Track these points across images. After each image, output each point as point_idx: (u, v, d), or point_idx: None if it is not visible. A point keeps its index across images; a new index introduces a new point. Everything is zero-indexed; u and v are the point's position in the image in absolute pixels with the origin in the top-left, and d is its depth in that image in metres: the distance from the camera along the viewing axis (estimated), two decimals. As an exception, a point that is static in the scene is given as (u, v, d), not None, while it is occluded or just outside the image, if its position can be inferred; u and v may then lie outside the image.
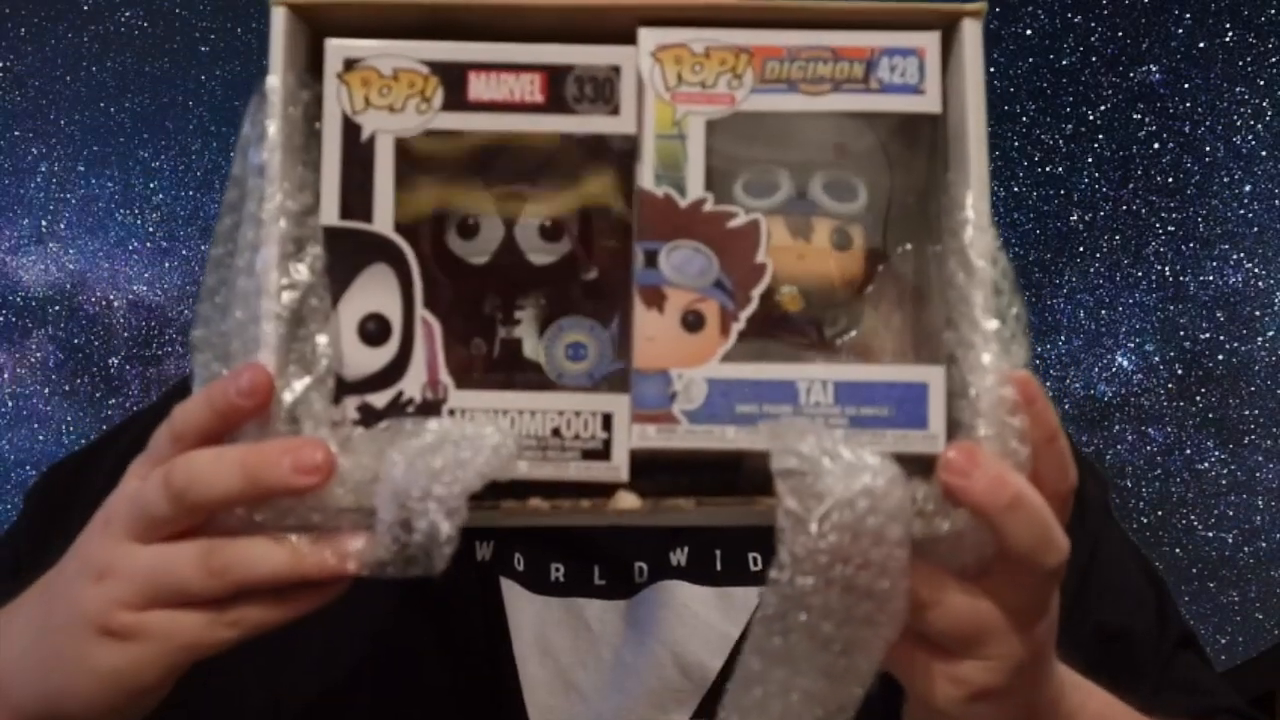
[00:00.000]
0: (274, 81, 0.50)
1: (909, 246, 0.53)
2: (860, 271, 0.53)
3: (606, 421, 0.50)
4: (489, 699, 0.70)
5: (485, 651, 0.71)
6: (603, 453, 0.50)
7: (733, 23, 0.51)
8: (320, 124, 0.51)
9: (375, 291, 0.51)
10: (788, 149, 0.53)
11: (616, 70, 0.51)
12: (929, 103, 0.51)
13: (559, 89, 0.51)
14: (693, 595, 0.71)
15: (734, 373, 0.50)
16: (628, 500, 0.50)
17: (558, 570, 0.72)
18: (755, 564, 0.72)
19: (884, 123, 0.53)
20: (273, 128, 0.50)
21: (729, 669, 0.68)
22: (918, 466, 0.48)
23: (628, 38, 0.51)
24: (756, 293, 0.51)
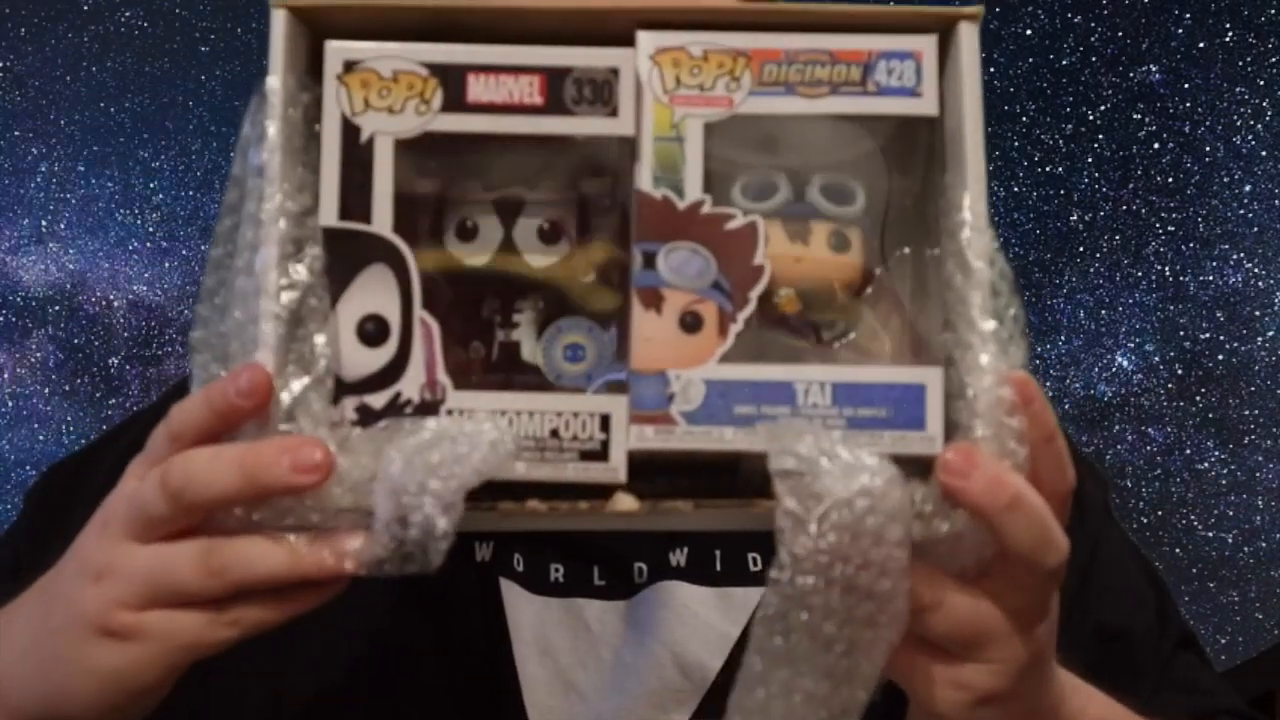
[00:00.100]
0: (274, 83, 0.50)
1: (907, 249, 0.54)
2: (858, 274, 0.53)
3: (605, 422, 0.50)
4: (488, 699, 0.70)
5: (485, 652, 0.71)
6: (601, 454, 0.50)
7: (731, 26, 0.51)
8: (320, 125, 0.51)
9: (374, 292, 0.51)
10: (785, 152, 0.53)
11: (615, 72, 0.51)
12: (926, 105, 0.51)
13: (558, 91, 0.51)
14: (692, 595, 0.71)
15: (732, 374, 0.50)
16: (626, 502, 0.50)
17: (557, 571, 0.72)
18: (755, 564, 0.72)
19: (881, 126, 0.53)
20: (272, 129, 0.50)
21: (729, 669, 0.68)
22: (916, 468, 0.48)
23: (626, 40, 0.51)
24: (754, 294, 0.51)
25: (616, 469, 0.50)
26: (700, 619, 0.70)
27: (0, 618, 0.56)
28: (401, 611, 0.71)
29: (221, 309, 0.51)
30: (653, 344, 0.51)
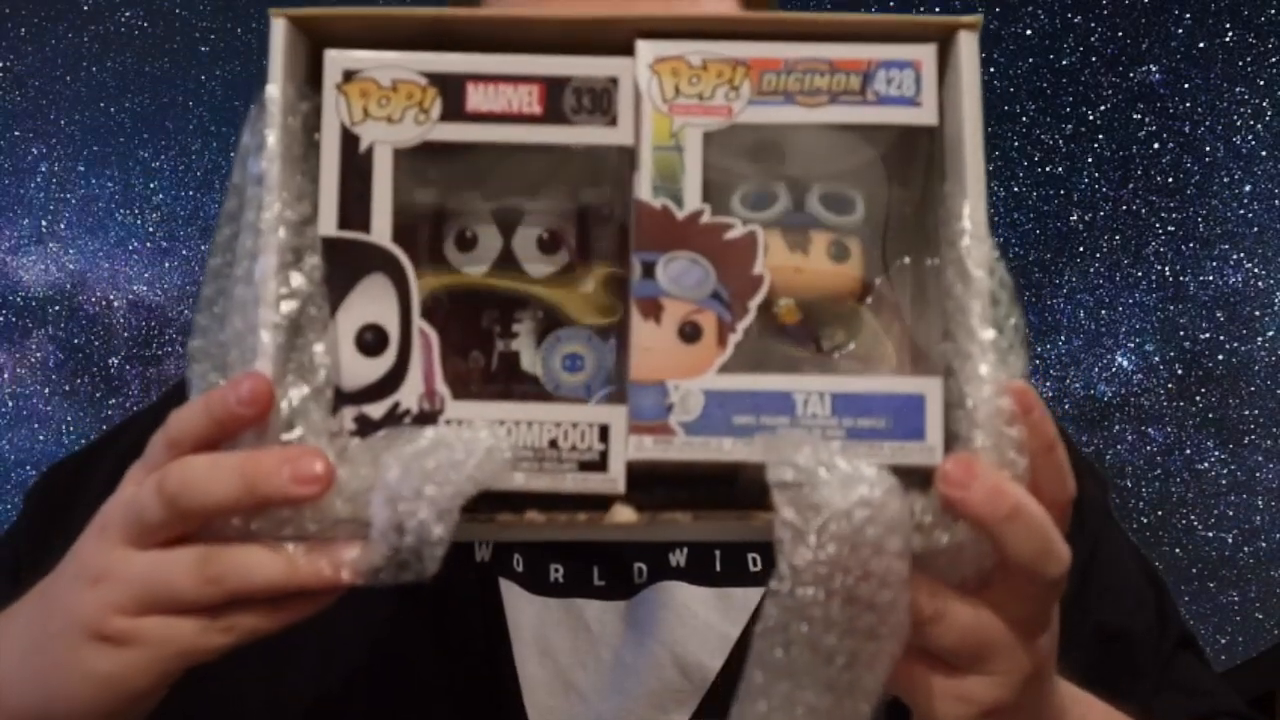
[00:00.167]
0: (273, 92, 0.50)
1: (906, 259, 0.54)
2: (858, 283, 0.53)
3: (603, 433, 0.50)
4: (488, 700, 0.70)
5: (484, 652, 0.71)
6: (599, 464, 0.50)
7: (730, 35, 0.51)
8: (319, 134, 0.51)
9: (373, 302, 0.51)
10: (785, 161, 0.53)
11: (614, 82, 0.51)
12: (925, 115, 0.51)
13: (557, 100, 0.51)
14: (692, 596, 0.71)
15: (731, 384, 0.50)
16: (624, 514, 0.49)
17: (557, 571, 0.73)
18: (755, 564, 0.72)
19: (881, 135, 0.53)
20: (272, 137, 0.50)
21: (729, 669, 0.68)
22: (916, 479, 0.48)
23: (625, 50, 0.51)
24: (754, 304, 0.51)
25: (615, 480, 0.50)
26: (700, 619, 0.70)
27: (1, 620, 0.56)
28: (401, 612, 0.71)
29: (220, 318, 0.51)
30: (651, 354, 0.50)
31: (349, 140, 0.51)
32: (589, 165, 0.52)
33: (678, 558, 0.72)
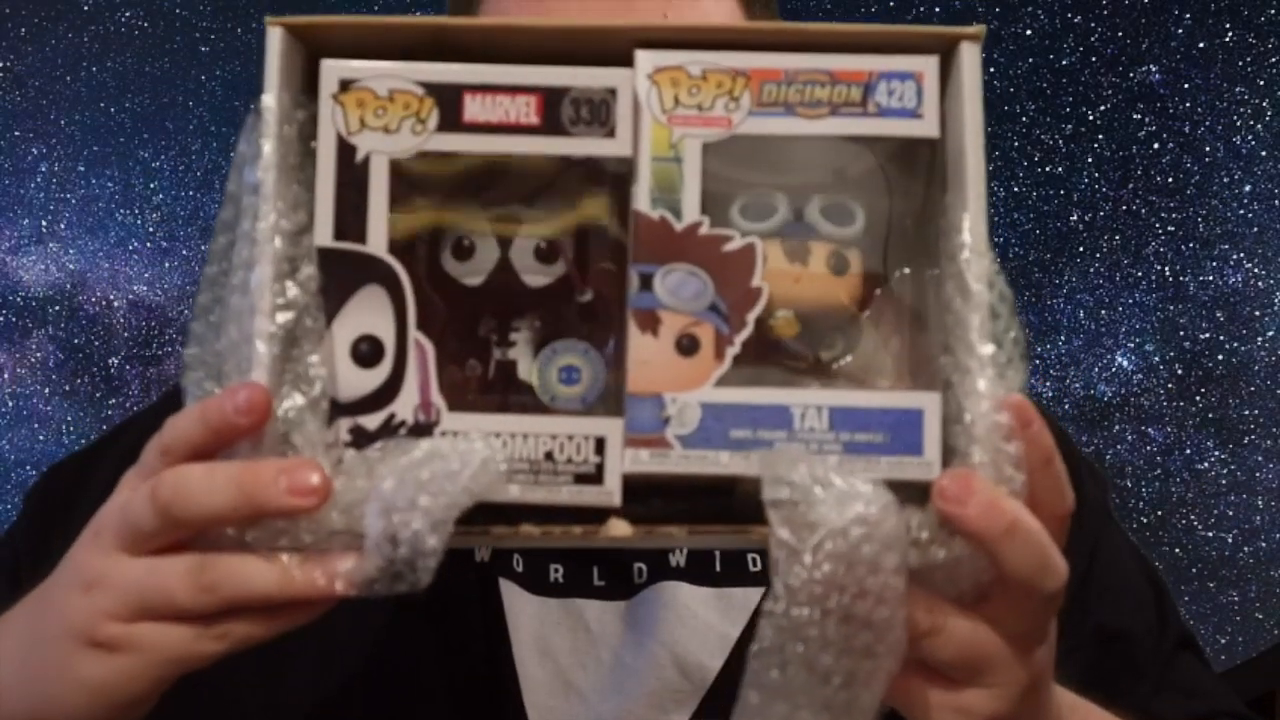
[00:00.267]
0: (269, 100, 0.50)
1: (907, 270, 0.53)
2: (857, 296, 0.53)
3: (599, 445, 0.50)
4: (488, 700, 0.70)
5: (484, 652, 0.71)
6: (595, 477, 0.50)
7: (730, 45, 0.51)
8: (315, 143, 0.51)
9: (368, 313, 0.51)
10: (784, 172, 0.52)
11: (613, 92, 0.51)
12: (927, 127, 0.51)
13: (555, 111, 0.50)
14: (692, 596, 0.71)
15: (728, 397, 0.50)
16: (619, 528, 0.49)
17: (557, 571, 0.73)
18: (754, 564, 0.73)
19: (882, 146, 0.53)
20: (268, 147, 0.50)
21: (728, 669, 0.68)
22: (913, 494, 0.47)
23: (625, 60, 0.51)
24: (752, 317, 0.50)
25: (611, 493, 0.50)
26: (700, 619, 0.70)
27: (0, 623, 0.56)
28: (401, 613, 0.71)
29: (216, 326, 0.50)
30: (649, 367, 0.50)
31: (345, 150, 0.51)
32: (587, 176, 0.52)
33: (677, 558, 0.73)
